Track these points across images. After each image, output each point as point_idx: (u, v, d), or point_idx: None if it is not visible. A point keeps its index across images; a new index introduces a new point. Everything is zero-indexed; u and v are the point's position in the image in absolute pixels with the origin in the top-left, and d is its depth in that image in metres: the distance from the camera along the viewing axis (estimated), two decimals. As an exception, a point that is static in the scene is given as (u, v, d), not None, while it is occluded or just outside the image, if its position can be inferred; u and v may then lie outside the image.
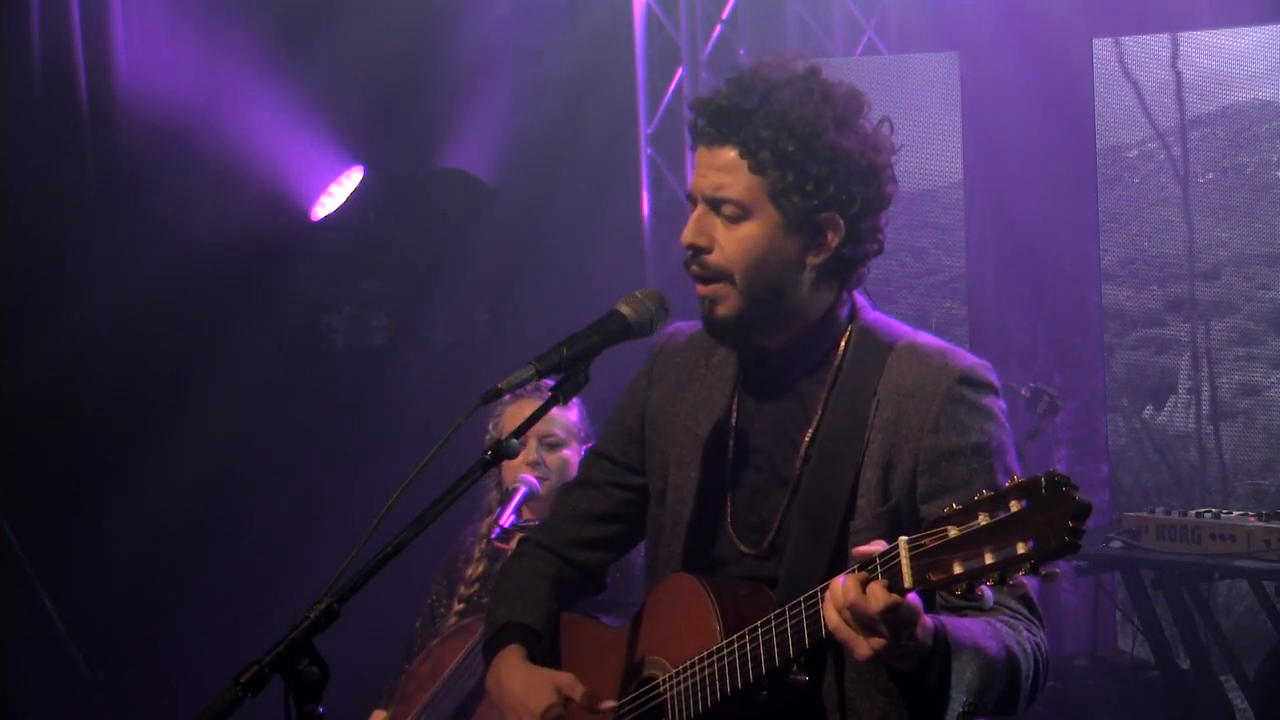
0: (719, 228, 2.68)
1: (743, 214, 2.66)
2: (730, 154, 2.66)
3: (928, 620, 2.35)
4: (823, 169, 2.64)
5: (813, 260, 2.69)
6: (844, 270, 2.73)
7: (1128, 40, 6.49)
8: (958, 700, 2.40)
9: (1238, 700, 5.80)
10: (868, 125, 2.72)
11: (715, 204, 2.68)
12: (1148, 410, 6.58)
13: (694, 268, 2.71)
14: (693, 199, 2.72)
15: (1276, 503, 6.12)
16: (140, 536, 6.38)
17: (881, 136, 2.73)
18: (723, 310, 2.70)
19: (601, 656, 2.89)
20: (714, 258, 2.68)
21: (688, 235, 2.70)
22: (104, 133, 6.43)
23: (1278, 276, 6.30)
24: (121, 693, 6.09)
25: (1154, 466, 6.54)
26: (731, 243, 2.67)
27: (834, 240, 2.68)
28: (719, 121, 2.67)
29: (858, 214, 2.68)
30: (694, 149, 2.74)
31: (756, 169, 2.65)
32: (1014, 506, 2.14)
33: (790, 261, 2.68)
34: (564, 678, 2.84)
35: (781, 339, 2.75)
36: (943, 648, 2.37)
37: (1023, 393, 6.40)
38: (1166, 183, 6.48)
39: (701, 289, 2.71)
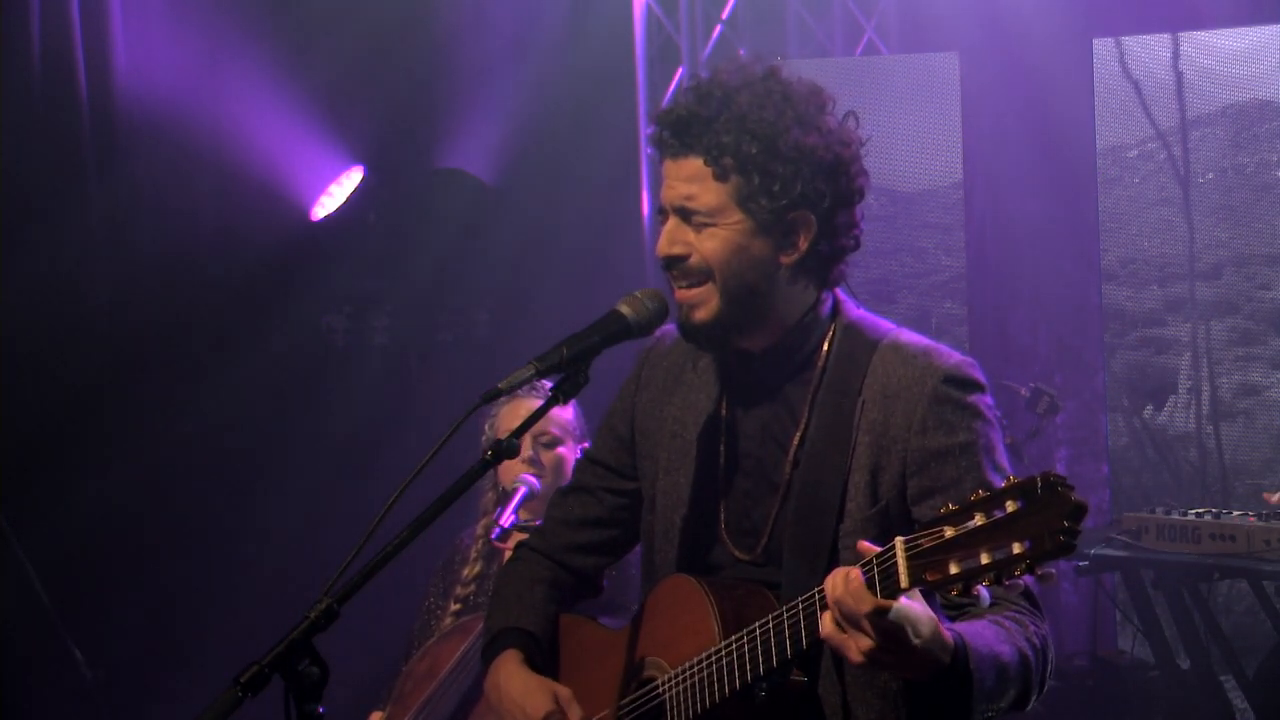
0: (691, 235, 2.68)
1: (713, 221, 2.66)
2: (695, 163, 2.66)
3: (948, 635, 2.35)
4: (788, 168, 2.63)
5: (786, 260, 2.69)
6: (822, 268, 2.73)
7: (1128, 40, 6.49)
8: (978, 710, 2.42)
9: (1238, 700, 5.80)
10: (832, 120, 2.70)
11: (685, 214, 2.68)
12: (1148, 410, 6.58)
13: (674, 273, 2.71)
14: (663, 211, 2.72)
15: (1277, 503, 6.12)
16: (141, 536, 6.38)
17: (847, 131, 2.72)
18: (700, 314, 2.70)
19: (601, 658, 2.89)
20: (694, 261, 2.68)
21: (663, 247, 2.70)
22: (104, 133, 6.43)
23: (1278, 276, 6.30)
24: (121, 693, 6.09)
25: (1154, 466, 6.54)
26: (707, 245, 2.67)
27: (806, 239, 2.68)
28: (680, 131, 2.67)
29: (829, 210, 2.67)
30: (660, 161, 2.74)
31: (721, 176, 2.64)
32: (1010, 507, 2.14)
33: (764, 262, 2.68)
34: (562, 688, 2.85)
35: (763, 342, 2.74)
36: (962, 659, 2.37)
37: (1023, 393, 6.39)
38: (1166, 183, 6.48)
39: (683, 294, 2.71)
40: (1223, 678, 5.83)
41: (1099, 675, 6.31)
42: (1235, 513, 5.44)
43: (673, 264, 2.70)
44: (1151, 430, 6.55)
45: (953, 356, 2.71)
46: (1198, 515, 5.44)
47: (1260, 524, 5.27)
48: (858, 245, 2.76)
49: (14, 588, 5.79)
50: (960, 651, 2.37)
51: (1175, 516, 5.47)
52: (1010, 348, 7.34)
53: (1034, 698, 2.56)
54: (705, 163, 2.65)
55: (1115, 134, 6.53)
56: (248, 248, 6.80)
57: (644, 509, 2.91)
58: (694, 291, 2.69)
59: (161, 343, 6.57)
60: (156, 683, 6.25)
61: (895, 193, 6.64)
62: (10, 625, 5.94)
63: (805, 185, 2.64)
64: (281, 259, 6.90)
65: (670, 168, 2.70)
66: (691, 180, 2.66)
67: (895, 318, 2.84)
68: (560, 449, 4.34)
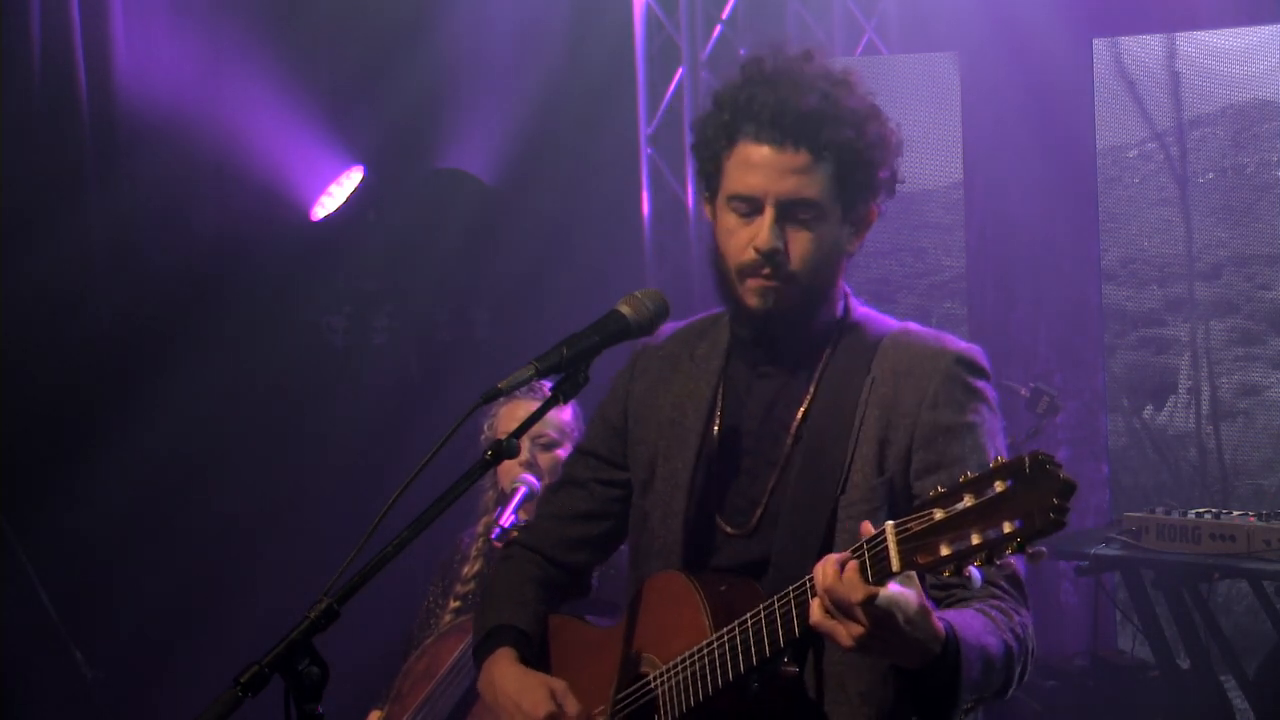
0: (789, 230, 2.65)
1: (818, 215, 2.65)
2: (803, 157, 2.63)
3: (939, 625, 2.36)
4: (877, 157, 2.68)
5: (851, 249, 2.74)
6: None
7: (1127, 40, 6.49)
8: (965, 699, 2.44)
9: (1238, 700, 5.80)
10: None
11: (791, 206, 2.64)
12: (1148, 410, 6.58)
13: (765, 270, 2.66)
14: (748, 200, 2.66)
15: (1276, 503, 6.13)
16: (141, 536, 6.37)
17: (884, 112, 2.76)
18: (775, 302, 2.68)
19: (592, 657, 2.88)
20: (786, 260, 2.65)
21: (767, 241, 2.63)
22: (104, 134, 6.43)
23: (1278, 276, 6.30)
24: (121, 693, 6.09)
25: (1154, 466, 6.54)
26: (802, 246, 2.65)
27: (868, 228, 2.74)
28: (783, 122, 2.63)
29: (887, 196, 2.74)
30: (736, 144, 2.67)
31: (828, 169, 2.63)
32: (999, 487, 2.13)
33: (842, 254, 2.73)
34: (557, 683, 2.84)
35: (797, 328, 2.74)
36: (953, 650, 2.38)
37: (1023, 393, 6.39)
38: (1166, 183, 6.48)
39: (761, 283, 2.67)
40: (1223, 678, 5.82)
41: (1099, 675, 6.31)
42: (1235, 513, 5.44)
43: (771, 258, 2.65)
44: (1151, 430, 6.55)
45: (962, 342, 2.75)
46: (1198, 515, 5.44)
47: (1260, 524, 5.28)
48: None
49: (14, 588, 5.79)
50: (951, 643, 2.38)
51: (1175, 516, 5.47)
52: (1010, 348, 7.34)
53: (1014, 687, 2.58)
54: (813, 156, 2.63)
55: (1115, 134, 6.53)
56: (248, 248, 6.80)
57: (635, 494, 2.90)
58: (775, 284, 2.67)
59: (162, 342, 6.57)
60: (157, 683, 6.24)
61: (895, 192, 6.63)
62: (10, 625, 5.94)
63: (884, 174, 2.70)
64: (281, 259, 6.90)
65: (770, 158, 2.63)
66: (800, 172, 2.63)
67: (896, 317, 2.85)
68: (558, 451, 4.33)
